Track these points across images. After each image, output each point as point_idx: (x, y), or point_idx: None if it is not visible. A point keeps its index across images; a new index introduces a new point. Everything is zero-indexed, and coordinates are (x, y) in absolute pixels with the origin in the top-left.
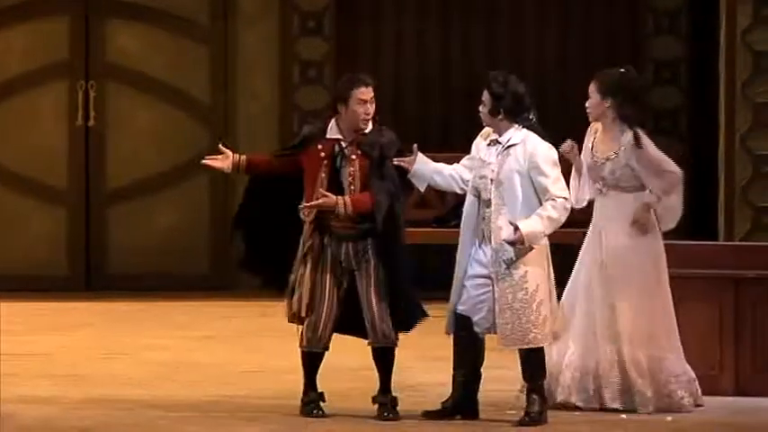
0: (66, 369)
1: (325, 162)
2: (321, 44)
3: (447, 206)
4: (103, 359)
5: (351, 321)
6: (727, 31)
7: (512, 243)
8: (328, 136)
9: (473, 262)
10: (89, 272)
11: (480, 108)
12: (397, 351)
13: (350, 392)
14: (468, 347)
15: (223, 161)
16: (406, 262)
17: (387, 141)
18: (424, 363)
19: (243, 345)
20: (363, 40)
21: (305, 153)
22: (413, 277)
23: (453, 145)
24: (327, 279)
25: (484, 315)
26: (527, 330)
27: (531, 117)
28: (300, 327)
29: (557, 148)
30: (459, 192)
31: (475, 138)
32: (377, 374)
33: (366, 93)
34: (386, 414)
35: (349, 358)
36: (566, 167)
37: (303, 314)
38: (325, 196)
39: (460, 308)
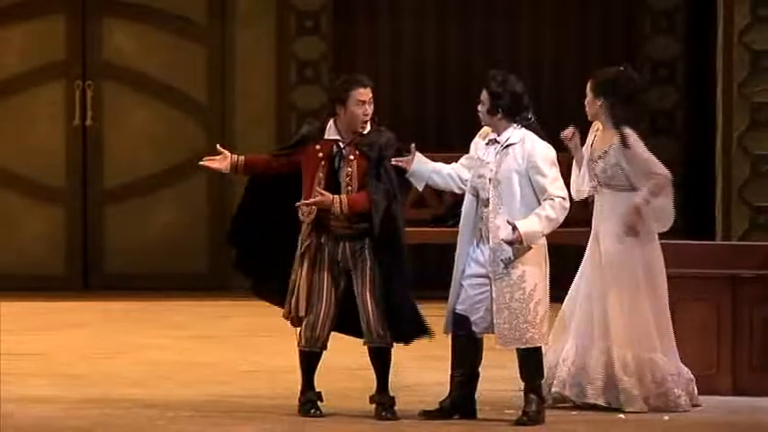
0: (63, 369)
1: (323, 162)
2: (318, 44)
3: (445, 206)
4: (101, 359)
5: (348, 321)
6: (725, 31)
7: (510, 243)
8: (327, 137)
9: (471, 261)
10: (86, 271)
11: (479, 107)
12: (394, 351)
13: (347, 392)
14: (467, 347)
15: (221, 162)
16: (407, 265)
17: (385, 141)
18: (422, 362)
19: (240, 344)
20: (360, 40)
21: (303, 153)
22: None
23: (450, 144)
24: (325, 279)
25: (482, 315)
26: (525, 330)
27: (529, 116)
28: (299, 327)
29: (555, 148)
30: (457, 191)
31: (472, 137)
32: (374, 374)
33: (364, 94)
34: (383, 414)
35: (347, 358)
36: (565, 168)
37: (301, 314)
38: (322, 195)
39: (458, 308)
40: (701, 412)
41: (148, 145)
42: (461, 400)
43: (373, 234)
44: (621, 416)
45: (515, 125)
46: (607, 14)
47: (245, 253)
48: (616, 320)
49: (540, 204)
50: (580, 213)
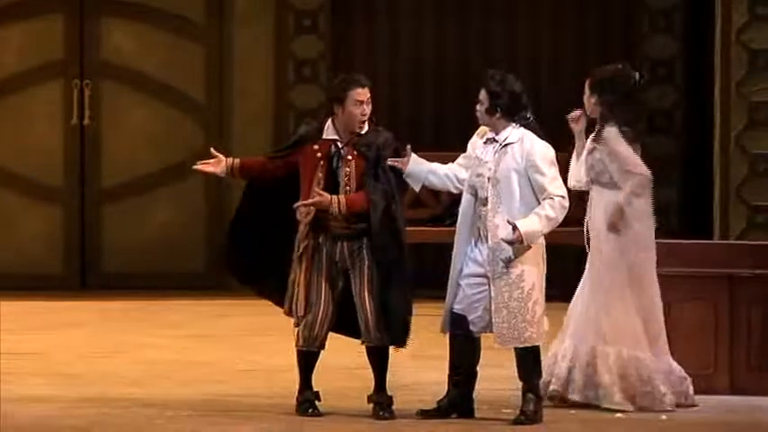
0: (61, 368)
1: (322, 163)
2: (316, 43)
3: (442, 205)
4: (98, 358)
5: (346, 321)
6: (723, 30)
7: (510, 242)
8: (325, 137)
9: (469, 261)
10: (84, 271)
11: (477, 106)
12: (392, 350)
13: (345, 391)
14: (464, 346)
15: (215, 166)
16: (408, 265)
17: (383, 141)
18: (420, 362)
19: (238, 344)
20: (358, 39)
21: (301, 153)
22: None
23: (448, 144)
24: (323, 279)
25: (480, 314)
26: (523, 329)
27: (528, 116)
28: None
29: (553, 147)
30: (454, 191)
31: (470, 137)
32: (372, 374)
33: (362, 94)
34: (381, 413)
35: (345, 357)
36: (564, 167)
37: (300, 313)
38: (320, 195)
39: (456, 307)
40: (698, 412)
41: (146, 144)
42: (459, 400)
43: (371, 234)
44: (618, 415)
45: (514, 124)
46: (605, 14)
47: (242, 258)
48: (602, 319)
49: (539, 203)
50: (580, 213)
